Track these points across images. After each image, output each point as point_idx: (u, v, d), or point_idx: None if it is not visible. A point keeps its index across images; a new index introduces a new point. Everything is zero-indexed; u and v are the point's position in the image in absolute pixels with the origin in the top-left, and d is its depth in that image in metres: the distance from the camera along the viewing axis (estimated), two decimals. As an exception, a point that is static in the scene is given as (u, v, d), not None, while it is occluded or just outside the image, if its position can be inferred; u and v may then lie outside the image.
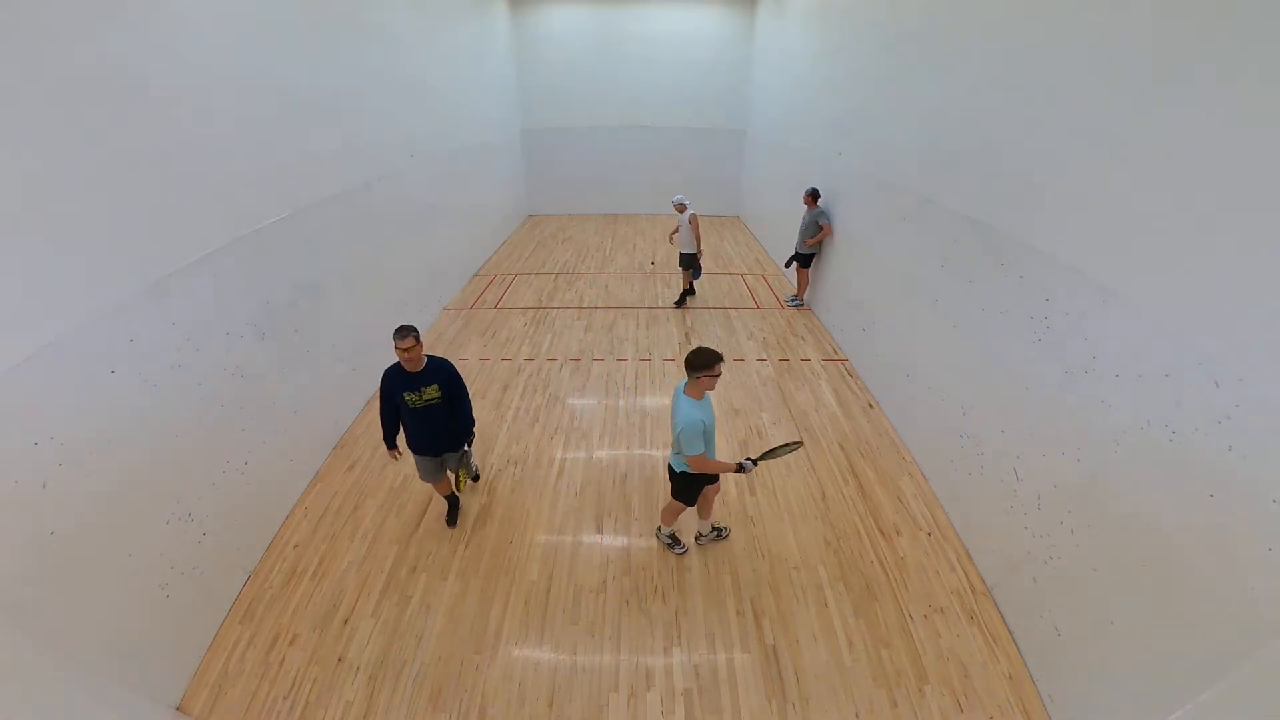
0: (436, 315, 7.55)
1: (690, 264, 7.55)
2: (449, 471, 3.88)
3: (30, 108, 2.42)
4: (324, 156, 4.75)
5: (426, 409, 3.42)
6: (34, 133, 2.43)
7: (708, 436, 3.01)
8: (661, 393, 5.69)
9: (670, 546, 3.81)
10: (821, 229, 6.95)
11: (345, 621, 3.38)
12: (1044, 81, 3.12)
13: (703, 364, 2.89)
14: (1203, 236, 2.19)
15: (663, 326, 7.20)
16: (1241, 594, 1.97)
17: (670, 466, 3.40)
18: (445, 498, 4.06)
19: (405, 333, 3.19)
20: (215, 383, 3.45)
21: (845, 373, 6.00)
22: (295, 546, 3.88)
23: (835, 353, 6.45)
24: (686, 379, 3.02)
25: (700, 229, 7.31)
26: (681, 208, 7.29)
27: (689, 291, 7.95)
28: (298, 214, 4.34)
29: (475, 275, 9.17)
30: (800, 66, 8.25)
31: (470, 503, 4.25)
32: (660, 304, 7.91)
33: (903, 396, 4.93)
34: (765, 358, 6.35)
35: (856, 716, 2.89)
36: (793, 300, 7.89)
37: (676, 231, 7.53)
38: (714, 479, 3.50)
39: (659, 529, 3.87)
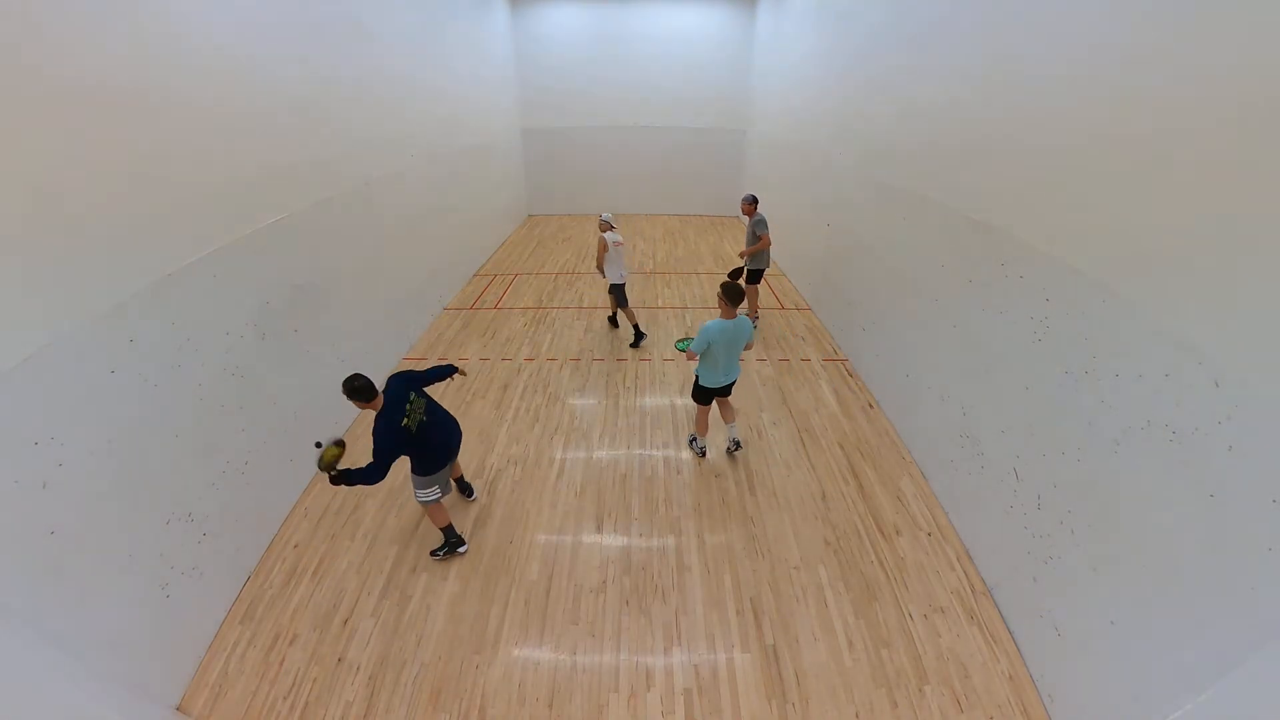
0: (436, 315, 7.55)
1: (623, 295, 6.48)
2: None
3: (30, 109, 2.42)
4: (323, 156, 4.75)
5: (428, 420, 3.33)
6: (34, 134, 2.43)
7: (716, 347, 4.05)
8: (661, 392, 5.69)
9: (697, 451, 4.72)
10: (759, 240, 6.33)
11: (345, 621, 3.38)
12: (1044, 81, 3.11)
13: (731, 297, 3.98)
14: (1203, 236, 2.18)
15: (662, 326, 7.19)
16: (1241, 594, 1.97)
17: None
18: (446, 528, 3.71)
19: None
20: (215, 383, 3.45)
21: (845, 373, 6.00)
22: (295, 546, 3.88)
23: (835, 353, 6.45)
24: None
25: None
26: (609, 227, 6.21)
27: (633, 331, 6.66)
28: (297, 214, 4.35)
29: (475, 275, 9.17)
30: (800, 66, 8.25)
31: (470, 504, 4.26)
32: (660, 304, 7.91)
33: (903, 396, 4.93)
34: (765, 358, 6.35)
35: (856, 716, 2.89)
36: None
37: (604, 252, 6.17)
38: (725, 390, 4.43)
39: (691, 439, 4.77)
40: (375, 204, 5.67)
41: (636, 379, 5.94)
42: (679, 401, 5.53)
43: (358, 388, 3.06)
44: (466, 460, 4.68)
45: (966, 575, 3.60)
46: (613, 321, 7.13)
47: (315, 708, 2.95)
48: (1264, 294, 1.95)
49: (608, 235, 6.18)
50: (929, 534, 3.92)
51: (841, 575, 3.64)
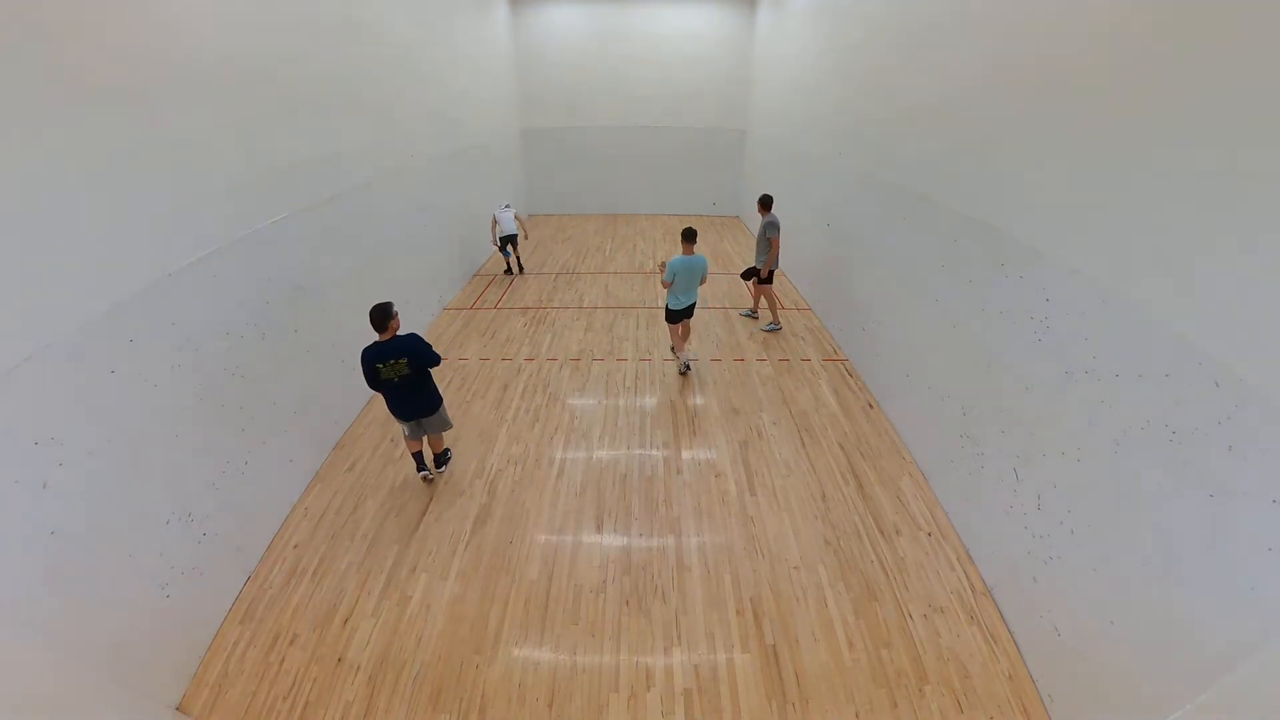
0: (436, 315, 7.55)
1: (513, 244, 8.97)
2: (427, 437, 4.38)
3: (30, 108, 2.42)
4: (323, 157, 4.75)
5: (398, 383, 3.90)
6: (34, 133, 2.43)
7: (679, 276, 5.43)
8: (661, 392, 5.69)
9: (676, 360, 6.09)
10: (770, 243, 6.32)
11: (345, 621, 3.38)
12: (1044, 81, 3.11)
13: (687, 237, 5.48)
14: (1203, 236, 2.19)
15: (662, 326, 7.19)
16: (1241, 594, 1.97)
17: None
18: (413, 455, 4.34)
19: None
20: (215, 383, 3.45)
21: (845, 373, 6.00)
22: (295, 546, 3.88)
23: (835, 353, 6.45)
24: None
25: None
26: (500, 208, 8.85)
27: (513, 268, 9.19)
28: (297, 214, 4.35)
29: (475, 275, 9.17)
30: (800, 66, 8.25)
31: (470, 503, 4.25)
32: (661, 303, 7.90)
33: (903, 396, 4.93)
34: (765, 358, 6.35)
35: (856, 716, 2.89)
36: (770, 325, 6.98)
37: (495, 226, 8.87)
38: (685, 315, 5.78)
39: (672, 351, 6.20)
40: (375, 204, 5.67)
41: (636, 379, 5.94)
42: (679, 401, 5.53)
43: (373, 320, 3.80)
44: (466, 459, 4.69)
45: (966, 575, 3.60)
46: (518, 268, 9.28)
47: (315, 708, 2.95)
48: (1264, 294, 1.95)
49: (495, 212, 8.86)
50: (929, 534, 3.92)
51: (841, 575, 3.64)
